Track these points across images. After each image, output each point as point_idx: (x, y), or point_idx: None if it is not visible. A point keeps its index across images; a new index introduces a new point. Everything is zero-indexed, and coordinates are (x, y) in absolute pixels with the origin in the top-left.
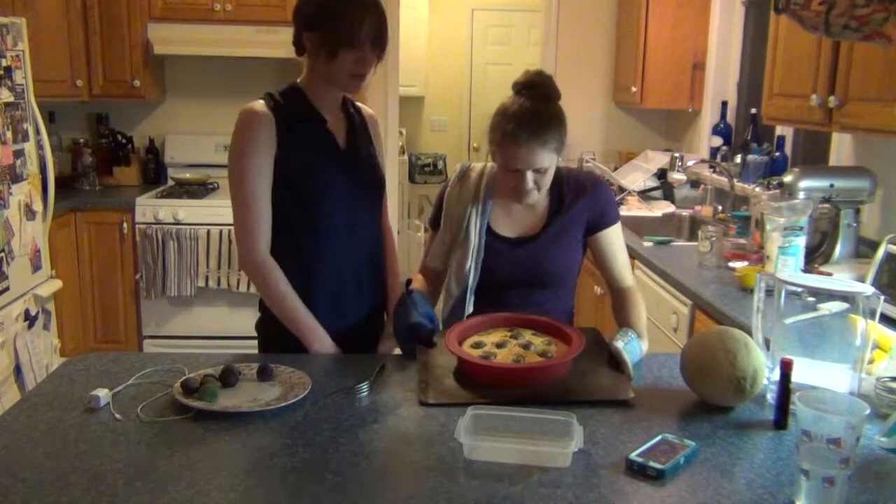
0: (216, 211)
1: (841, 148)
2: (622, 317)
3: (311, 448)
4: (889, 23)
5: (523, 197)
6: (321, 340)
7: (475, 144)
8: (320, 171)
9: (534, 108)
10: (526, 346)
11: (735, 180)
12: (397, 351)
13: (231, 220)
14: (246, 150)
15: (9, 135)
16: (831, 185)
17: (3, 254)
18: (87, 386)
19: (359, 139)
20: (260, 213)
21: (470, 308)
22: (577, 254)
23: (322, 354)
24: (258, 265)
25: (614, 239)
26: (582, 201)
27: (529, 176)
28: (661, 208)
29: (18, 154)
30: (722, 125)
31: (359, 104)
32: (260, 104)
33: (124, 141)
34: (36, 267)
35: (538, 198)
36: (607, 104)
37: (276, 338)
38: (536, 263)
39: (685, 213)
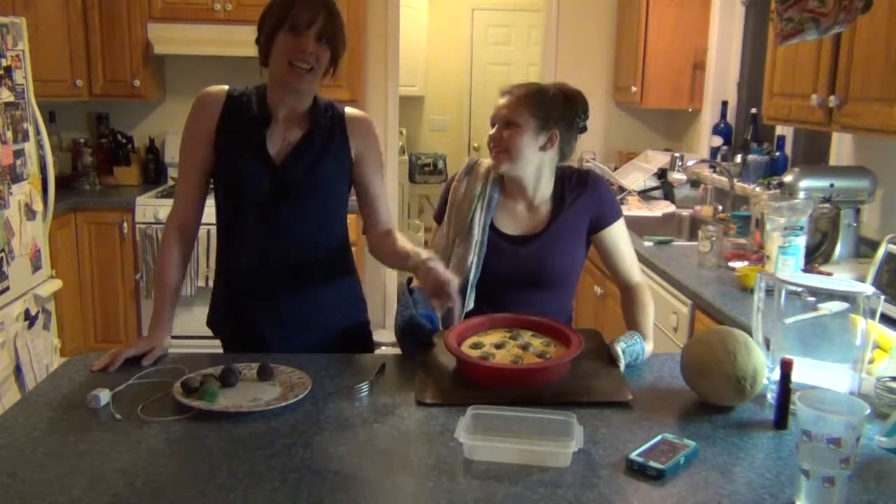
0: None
1: (841, 148)
2: (629, 316)
3: (311, 448)
4: (806, 24)
5: (494, 158)
6: (154, 336)
7: (475, 144)
8: (243, 172)
9: (535, 84)
10: (524, 347)
11: (735, 180)
12: (397, 351)
13: None
14: (186, 126)
15: (9, 135)
16: (831, 185)
17: (3, 254)
18: (87, 386)
19: (307, 153)
20: (181, 187)
21: (470, 304)
22: (578, 253)
23: (322, 355)
24: (163, 235)
25: (619, 235)
26: (583, 199)
27: (499, 129)
28: (661, 208)
29: (18, 154)
30: (722, 125)
31: (349, 110)
32: (217, 87)
33: (124, 141)
34: (36, 267)
35: (508, 168)
36: (607, 104)
37: (231, 332)
38: (538, 263)
39: (685, 213)
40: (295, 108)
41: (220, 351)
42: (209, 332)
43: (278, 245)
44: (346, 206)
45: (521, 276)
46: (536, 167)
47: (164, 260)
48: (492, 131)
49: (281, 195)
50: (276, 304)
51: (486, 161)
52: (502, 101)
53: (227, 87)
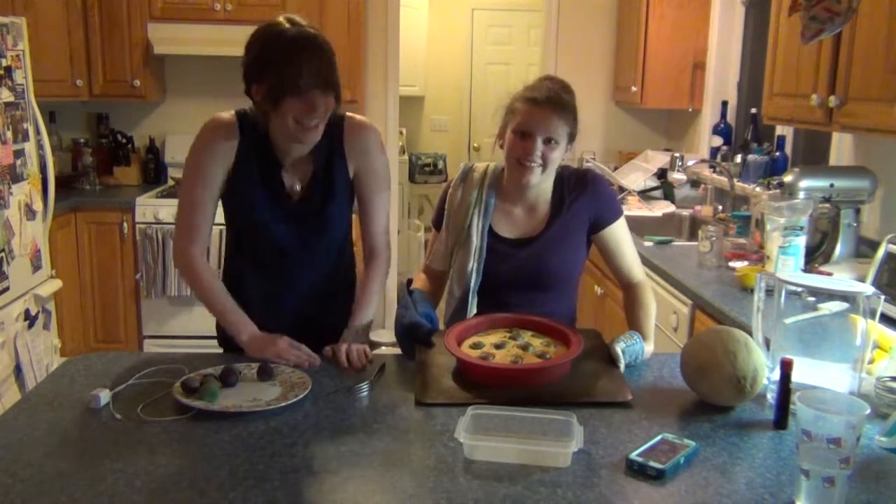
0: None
1: (841, 148)
2: (631, 316)
3: (311, 448)
4: (826, 22)
5: (526, 170)
6: (248, 331)
7: (475, 144)
8: (260, 213)
9: (556, 89)
10: (524, 348)
11: (735, 180)
12: (397, 351)
13: None
14: (201, 156)
15: (9, 134)
16: (831, 185)
17: (3, 254)
18: (87, 386)
19: (316, 194)
20: (197, 218)
21: (473, 310)
22: (579, 254)
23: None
24: (186, 265)
25: (619, 234)
26: (582, 199)
27: (539, 143)
28: (662, 208)
29: (18, 154)
30: (722, 125)
31: (349, 122)
32: (229, 115)
33: (124, 141)
34: (36, 267)
35: (538, 180)
36: (607, 104)
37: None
38: (538, 265)
39: (685, 213)
40: (301, 150)
41: (219, 351)
42: (209, 333)
43: (288, 274)
44: (351, 215)
45: (523, 279)
46: (553, 174)
47: (209, 280)
48: (519, 140)
49: (295, 235)
50: (280, 320)
51: (481, 166)
52: (540, 112)
53: (236, 121)
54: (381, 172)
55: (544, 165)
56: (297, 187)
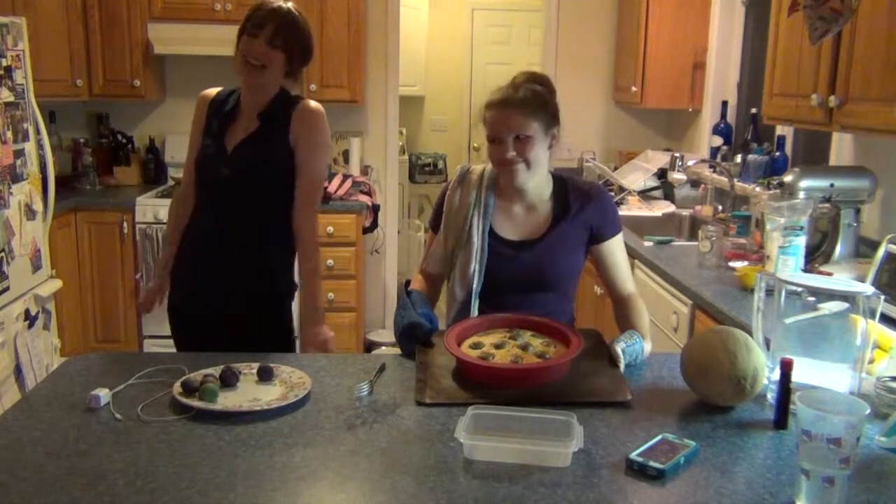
0: None
1: (841, 148)
2: (626, 322)
3: (311, 448)
4: (832, 22)
5: (510, 173)
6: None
7: (475, 144)
8: (201, 158)
9: (516, 85)
10: (524, 348)
11: (735, 180)
12: (397, 351)
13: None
14: (192, 126)
15: (9, 134)
16: (831, 185)
17: (3, 254)
18: (87, 386)
19: (253, 143)
20: (185, 171)
21: (475, 312)
22: (578, 258)
23: (322, 355)
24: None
25: (616, 249)
26: (586, 211)
27: (509, 144)
28: (662, 208)
29: (18, 154)
30: (722, 125)
31: (303, 103)
32: (211, 89)
33: (124, 141)
34: (36, 267)
35: (526, 178)
36: (607, 104)
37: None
38: (539, 267)
39: (685, 212)
40: (259, 102)
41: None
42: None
43: (215, 214)
44: (288, 189)
45: (524, 281)
46: (545, 168)
47: (169, 223)
48: (493, 146)
49: (230, 176)
50: (195, 257)
51: (478, 167)
52: (499, 115)
53: (218, 89)
54: (314, 144)
55: (527, 162)
56: (245, 134)
